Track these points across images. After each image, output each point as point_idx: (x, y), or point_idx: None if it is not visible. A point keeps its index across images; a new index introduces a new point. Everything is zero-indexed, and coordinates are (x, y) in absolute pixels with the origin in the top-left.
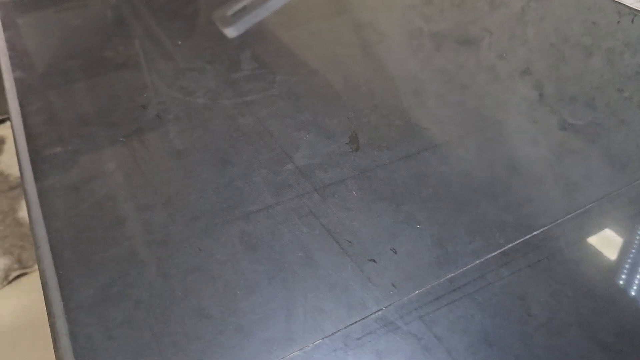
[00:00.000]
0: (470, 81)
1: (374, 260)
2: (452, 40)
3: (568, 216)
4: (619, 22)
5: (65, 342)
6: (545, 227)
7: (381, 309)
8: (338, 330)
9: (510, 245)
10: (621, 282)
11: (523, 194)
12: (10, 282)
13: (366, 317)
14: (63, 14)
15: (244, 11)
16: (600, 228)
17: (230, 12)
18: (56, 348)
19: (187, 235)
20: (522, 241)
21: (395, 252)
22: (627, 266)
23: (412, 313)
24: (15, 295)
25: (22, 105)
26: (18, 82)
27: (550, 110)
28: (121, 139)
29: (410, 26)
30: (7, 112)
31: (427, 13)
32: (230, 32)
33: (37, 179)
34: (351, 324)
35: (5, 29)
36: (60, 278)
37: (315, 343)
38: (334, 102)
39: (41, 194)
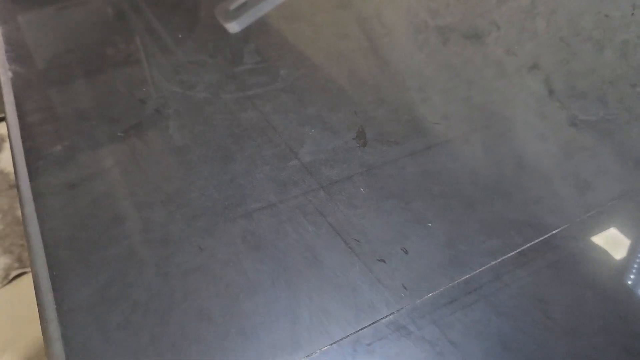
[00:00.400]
0: (478, 76)
1: (384, 261)
2: (458, 34)
3: (586, 215)
4: (632, 14)
5: (57, 347)
6: (564, 227)
7: (392, 313)
8: (347, 336)
9: (527, 245)
10: None
11: (537, 192)
12: (10, 281)
13: (376, 321)
14: (61, 7)
15: (246, 5)
16: (620, 227)
17: (232, 6)
18: (48, 354)
19: (188, 234)
20: (540, 241)
21: (406, 252)
22: None
23: (425, 317)
24: (15, 294)
25: (17, 100)
26: (14, 76)
27: (561, 106)
28: (119, 135)
29: (416, 20)
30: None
31: (432, 6)
32: (233, 26)
33: (31, 176)
34: (361, 329)
35: (1, 22)
36: (54, 279)
37: (323, 349)
38: (340, 96)
39: (36, 192)
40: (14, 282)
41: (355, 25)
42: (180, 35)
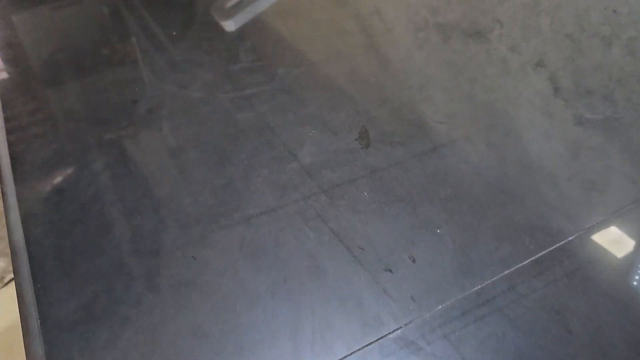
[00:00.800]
0: (482, 74)
1: (390, 270)
2: (460, 31)
3: (602, 220)
4: None
5: None
6: (579, 233)
7: (400, 327)
8: (352, 352)
9: (542, 252)
10: None
11: (548, 195)
12: (6, 284)
13: (383, 336)
14: (55, 6)
15: (243, 1)
16: (637, 233)
17: (229, 3)
18: None
19: (181, 243)
20: (556, 248)
21: (413, 261)
22: None
23: (435, 331)
24: (10, 297)
25: (3, 101)
26: (2, 77)
27: (566, 104)
28: (110, 137)
29: (416, 17)
30: None
31: (433, 3)
32: (229, 23)
33: (17, 181)
34: (367, 345)
35: None
36: (38, 292)
37: None
38: (341, 95)
39: (21, 198)
40: (10, 285)
41: (355, 22)
42: (174, 33)
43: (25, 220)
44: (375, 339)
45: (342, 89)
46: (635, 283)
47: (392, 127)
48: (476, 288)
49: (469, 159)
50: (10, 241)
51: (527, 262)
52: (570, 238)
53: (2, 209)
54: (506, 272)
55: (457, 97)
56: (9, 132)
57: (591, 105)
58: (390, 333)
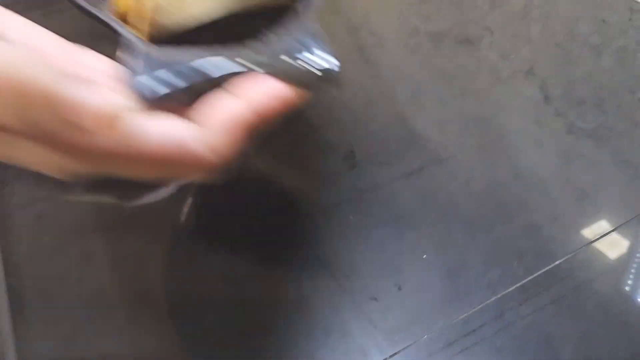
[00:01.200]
0: (473, 84)
1: (376, 299)
2: (450, 40)
3: (594, 240)
4: (630, 19)
5: None
6: (569, 255)
7: (385, 359)
8: None
9: (530, 277)
10: None
11: (538, 214)
12: None
13: None
14: (45, 9)
15: None
16: (634, 254)
17: None
18: None
19: (165, 272)
20: (544, 272)
21: (399, 289)
22: None
23: None
24: None
25: None
26: None
27: (557, 113)
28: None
29: (407, 27)
30: None
31: (424, 11)
32: None
33: None
34: None
35: None
36: (17, 325)
37: None
38: (327, 111)
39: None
40: None
41: (344, 33)
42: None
43: (4, 248)
44: None
45: (329, 104)
46: (624, 308)
47: (379, 146)
48: (463, 316)
49: (458, 177)
50: None
51: (514, 287)
52: (558, 262)
53: None
54: (493, 298)
55: (447, 109)
56: None
57: (582, 114)
58: None
